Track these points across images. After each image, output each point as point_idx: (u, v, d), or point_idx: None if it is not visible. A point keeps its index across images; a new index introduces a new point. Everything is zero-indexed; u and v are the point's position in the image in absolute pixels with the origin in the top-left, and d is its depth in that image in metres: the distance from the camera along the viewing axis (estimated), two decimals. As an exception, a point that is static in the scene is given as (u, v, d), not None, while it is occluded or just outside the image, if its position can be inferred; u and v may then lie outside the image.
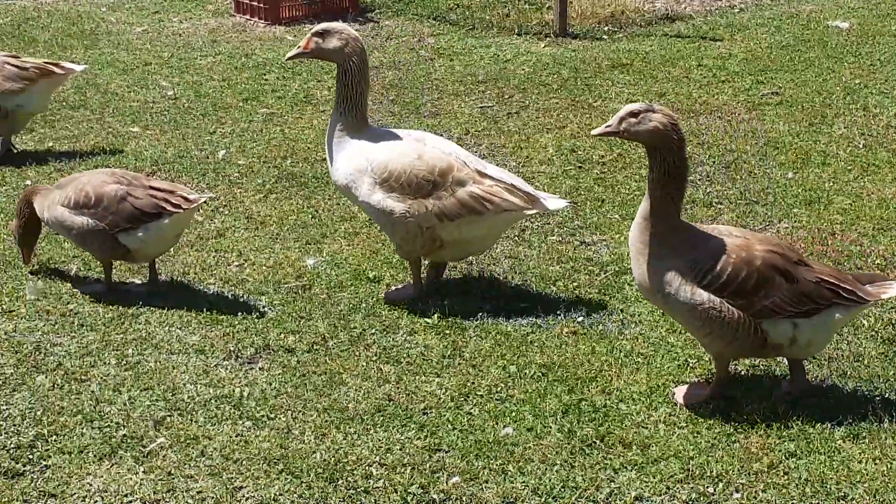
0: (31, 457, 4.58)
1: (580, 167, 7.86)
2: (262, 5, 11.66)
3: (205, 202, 5.81)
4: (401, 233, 5.75)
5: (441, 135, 8.44)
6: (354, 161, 5.76)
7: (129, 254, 5.84)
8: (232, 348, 5.43)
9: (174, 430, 4.76)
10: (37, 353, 5.36)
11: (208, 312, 5.76)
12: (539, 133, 8.52)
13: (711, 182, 7.55)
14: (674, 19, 11.90)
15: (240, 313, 5.77)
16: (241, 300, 5.94)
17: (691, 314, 4.71)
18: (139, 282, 6.13)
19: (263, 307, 5.86)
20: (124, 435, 4.72)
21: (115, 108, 9.07)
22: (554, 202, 5.79)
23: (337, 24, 5.94)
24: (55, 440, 4.68)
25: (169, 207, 5.73)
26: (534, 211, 5.74)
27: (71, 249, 6.48)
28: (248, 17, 11.83)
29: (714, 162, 7.90)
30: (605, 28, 11.46)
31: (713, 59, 10.37)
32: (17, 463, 4.54)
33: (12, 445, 4.64)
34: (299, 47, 5.98)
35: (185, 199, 5.77)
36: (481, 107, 9.17)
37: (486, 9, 12.08)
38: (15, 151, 8.01)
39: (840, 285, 4.74)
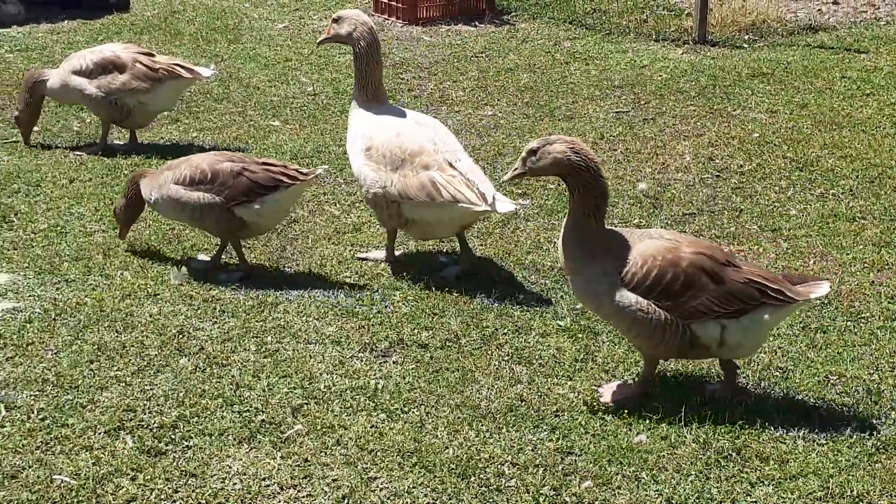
0: (173, 437, 4.71)
1: (718, 176, 7.74)
2: (400, 5, 11.79)
3: (318, 175, 6.10)
4: (372, 200, 6.20)
5: (576, 138, 8.44)
6: (354, 130, 6.32)
7: (244, 227, 6.01)
8: (367, 341, 5.51)
9: (311, 418, 4.85)
10: (180, 336, 5.51)
11: (344, 304, 5.85)
12: (676, 140, 8.42)
13: (855, 196, 7.37)
14: (816, 30, 11.64)
15: (374, 307, 5.85)
16: (377, 294, 6.01)
17: (619, 316, 4.80)
18: (207, 258, 6.36)
19: (398, 302, 5.92)
20: (263, 420, 4.82)
21: (257, 102, 9.28)
22: (503, 205, 5.98)
23: (350, 11, 6.47)
24: (196, 422, 4.81)
25: (286, 180, 5.94)
26: (484, 208, 5.93)
27: (215, 238, 6.64)
28: (386, 16, 11.97)
29: (857, 176, 7.69)
30: (746, 36, 11.27)
31: (857, 72, 10.11)
32: (160, 442, 4.67)
33: (155, 425, 4.78)
34: (326, 34, 6.57)
35: (300, 171, 6.00)
36: (617, 112, 9.11)
37: (624, 14, 11.99)
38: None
39: (768, 285, 4.75)
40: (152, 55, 8.09)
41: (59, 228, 6.69)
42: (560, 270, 6.31)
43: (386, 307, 5.85)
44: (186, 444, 4.67)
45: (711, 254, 4.81)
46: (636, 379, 5.11)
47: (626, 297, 4.75)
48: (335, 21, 6.45)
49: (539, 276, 6.25)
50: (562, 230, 4.92)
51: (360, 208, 7.18)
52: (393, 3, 11.85)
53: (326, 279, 6.20)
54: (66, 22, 11.55)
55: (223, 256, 6.32)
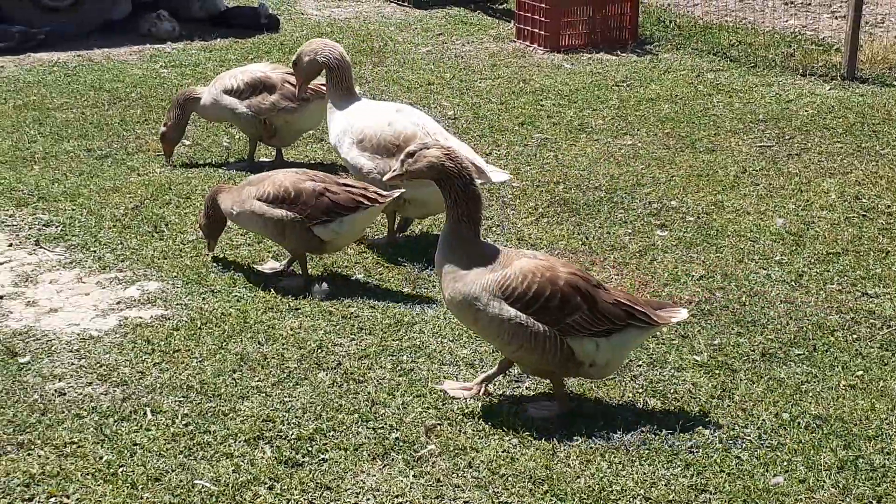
0: (310, 449, 4.81)
1: (864, 216, 7.55)
2: (542, 33, 11.84)
3: (396, 198, 6.31)
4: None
5: (717, 172, 8.36)
6: (341, 124, 6.81)
7: (322, 245, 6.20)
8: (501, 365, 5.54)
9: (444, 439, 4.90)
10: (319, 350, 5.63)
11: (480, 328, 5.89)
12: (821, 177, 8.25)
13: None
14: (972, 68, 11.27)
15: (509, 332, 5.88)
16: (512, 319, 6.03)
17: (500, 329, 4.92)
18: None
19: (532, 328, 5.93)
20: (397, 438, 4.89)
21: (399, 124, 9.41)
22: (498, 175, 6.58)
23: (302, 48, 7.12)
24: (333, 435, 4.91)
25: (366, 202, 6.13)
26: (480, 181, 6.31)
27: (353, 255, 6.78)
28: (528, 43, 12.04)
29: None
30: (897, 74, 10.98)
31: None
32: (297, 453, 4.78)
33: (293, 436, 4.89)
34: (298, 82, 7.35)
35: (380, 194, 6.18)
36: (760, 146, 8.97)
37: (770, 47, 11.81)
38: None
39: (634, 307, 4.94)
40: None
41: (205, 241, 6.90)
42: (698, 304, 6.25)
43: (521, 333, 5.88)
44: (322, 456, 4.77)
45: (584, 275, 5.03)
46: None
47: (507, 311, 4.88)
48: (294, 64, 7.14)
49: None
50: (439, 244, 5.08)
51: (496, 233, 7.23)
52: (535, 30, 11.92)
53: (462, 302, 6.25)
54: (218, 40, 11.94)
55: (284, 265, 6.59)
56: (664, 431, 5.00)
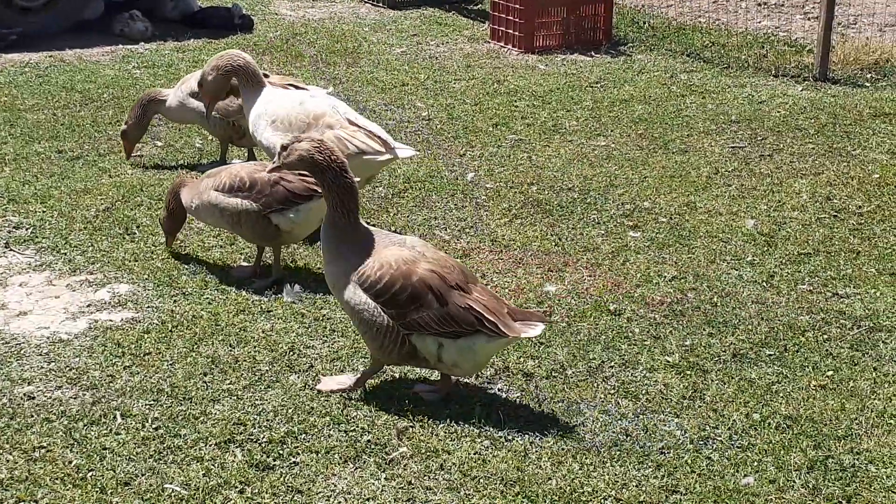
0: (281, 452, 4.80)
1: (835, 216, 7.60)
2: (517, 34, 11.85)
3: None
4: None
5: (689, 173, 8.39)
6: (256, 109, 6.90)
7: (279, 234, 6.23)
8: (473, 367, 5.53)
9: (416, 441, 4.89)
10: (291, 353, 5.62)
11: (452, 330, 5.89)
12: (792, 178, 8.30)
13: (978, 243, 7.16)
14: (943, 69, 11.34)
15: (482, 334, 5.87)
16: (484, 321, 6.03)
17: (352, 313, 5.07)
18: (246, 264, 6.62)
19: (505, 330, 5.93)
20: (368, 440, 4.88)
21: (372, 125, 9.39)
22: (404, 151, 6.81)
23: (204, 69, 7.11)
24: (304, 438, 4.89)
25: (319, 190, 6.10)
26: (387, 156, 6.71)
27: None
28: (502, 44, 12.05)
29: (982, 222, 7.48)
30: (868, 75, 11.05)
31: (985, 114, 9.82)
32: (269, 457, 4.76)
33: (264, 440, 4.87)
34: (206, 102, 7.33)
35: None
36: (732, 147, 9.00)
37: (743, 48, 11.86)
38: None
39: (483, 315, 4.92)
40: (267, 76, 8.24)
41: (177, 242, 6.87)
42: (669, 305, 6.27)
43: (493, 334, 5.87)
44: (294, 460, 4.75)
45: (444, 274, 5.01)
46: (357, 374, 5.31)
47: (359, 295, 4.99)
48: (202, 85, 7.14)
49: (648, 310, 6.20)
50: (321, 228, 5.20)
51: (469, 234, 7.23)
52: (510, 31, 11.93)
53: (435, 303, 6.24)
54: (191, 40, 11.89)
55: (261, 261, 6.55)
56: (635, 432, 5.01)
